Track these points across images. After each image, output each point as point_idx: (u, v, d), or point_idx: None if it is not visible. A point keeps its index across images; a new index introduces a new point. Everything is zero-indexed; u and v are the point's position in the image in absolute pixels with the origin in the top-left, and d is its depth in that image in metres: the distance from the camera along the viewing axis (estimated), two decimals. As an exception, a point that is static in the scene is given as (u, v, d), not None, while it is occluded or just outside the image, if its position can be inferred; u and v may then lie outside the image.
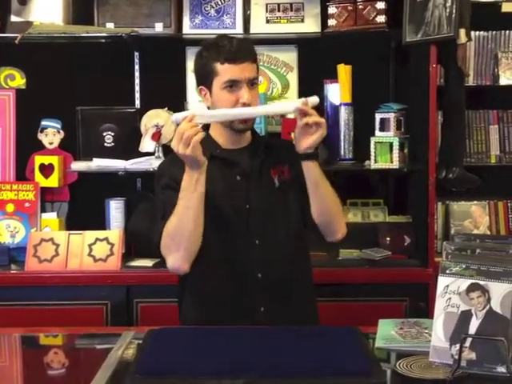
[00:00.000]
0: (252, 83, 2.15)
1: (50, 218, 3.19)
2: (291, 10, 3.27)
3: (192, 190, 2.04)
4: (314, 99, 2.11)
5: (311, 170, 2.13)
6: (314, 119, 2.06)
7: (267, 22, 3.27)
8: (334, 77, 3.20)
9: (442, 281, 1.70)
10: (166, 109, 3.23)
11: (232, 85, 2.12)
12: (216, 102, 2.16)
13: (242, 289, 2.16)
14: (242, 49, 2.15)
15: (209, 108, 2.22)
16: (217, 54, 2.13)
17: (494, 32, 3.24)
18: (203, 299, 2.21)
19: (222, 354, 1.77)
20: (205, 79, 2.18)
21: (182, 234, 2.06)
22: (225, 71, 2.12)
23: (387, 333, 1.98)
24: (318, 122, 2.07)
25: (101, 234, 3.06)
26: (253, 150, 2.23)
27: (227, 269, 2.16)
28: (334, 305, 2.91)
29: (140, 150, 3.22)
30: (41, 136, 3.28)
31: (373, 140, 3.11)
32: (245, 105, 2.13)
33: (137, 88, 3.40)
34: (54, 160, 3.20)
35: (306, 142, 2.09)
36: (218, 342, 1.87)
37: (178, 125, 2.05)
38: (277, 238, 2.19)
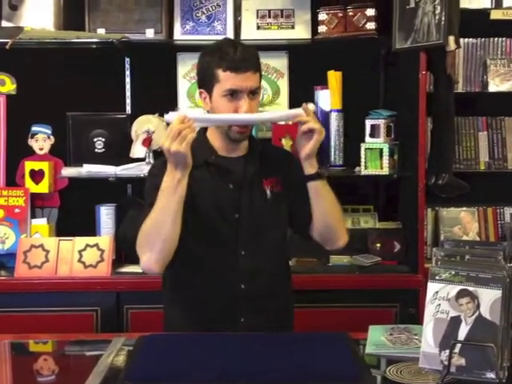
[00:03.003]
0: (253, 93, 2.11)
1: (40, 224, 3.18)
2: (282, 17, 3.28)
3: (172, 192, 2.00)
4: (309, 106, 2.14)
5: (313, 189, 2.14)
6: (308, 125, 2.07)
7: (258, 28, 3.28)
8: (324, 83, 3.21)
9: (432, 287, 1.71)
10: (157, 114, 3.22)
11: (232, 94, 2.09)
12: (215, 108, 2.13)
13: (224, 298, 2.14)
14: (246, 57, 2.09)
15: (208, 112, 2.19)
16: (220, 60, 2.08)
17: (483, 39, 3.25)
18: (185, 305, 2.18)
19: (213, 361, 1.77)
20: (206, 83, 2.14)
21: (157, 235, 2.03)
22: (226, 79, 2.07)
23: (377, 339, 1.99)
24: (311, 128, 2.07)
25: (91, 240, 3.05)
26: (248, 159, 2.20)
27: (211, 277, 2.14)
28: (324, 311, 2.91)
29: (131, 155, 3.22)
30: (31, 142, 3.27)
31: (363, 146, 3.12)
32: None
33: (128, 94, 3.40)
34: (44, 166, 3.20)
35: (304, 149, 2.10)
36: (208, 348, 1.88)
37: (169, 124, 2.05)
38: (263, 249, 2.17)
